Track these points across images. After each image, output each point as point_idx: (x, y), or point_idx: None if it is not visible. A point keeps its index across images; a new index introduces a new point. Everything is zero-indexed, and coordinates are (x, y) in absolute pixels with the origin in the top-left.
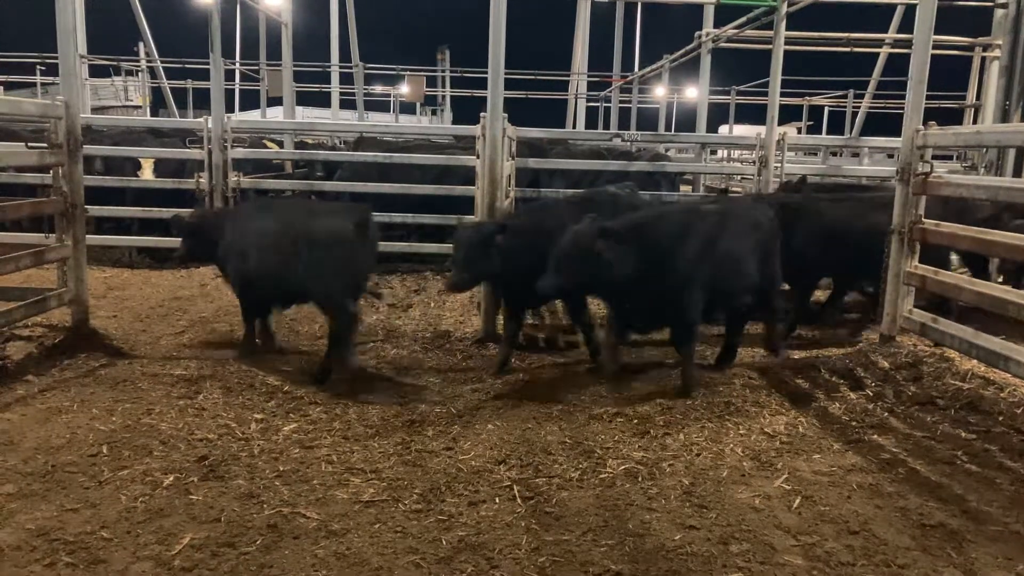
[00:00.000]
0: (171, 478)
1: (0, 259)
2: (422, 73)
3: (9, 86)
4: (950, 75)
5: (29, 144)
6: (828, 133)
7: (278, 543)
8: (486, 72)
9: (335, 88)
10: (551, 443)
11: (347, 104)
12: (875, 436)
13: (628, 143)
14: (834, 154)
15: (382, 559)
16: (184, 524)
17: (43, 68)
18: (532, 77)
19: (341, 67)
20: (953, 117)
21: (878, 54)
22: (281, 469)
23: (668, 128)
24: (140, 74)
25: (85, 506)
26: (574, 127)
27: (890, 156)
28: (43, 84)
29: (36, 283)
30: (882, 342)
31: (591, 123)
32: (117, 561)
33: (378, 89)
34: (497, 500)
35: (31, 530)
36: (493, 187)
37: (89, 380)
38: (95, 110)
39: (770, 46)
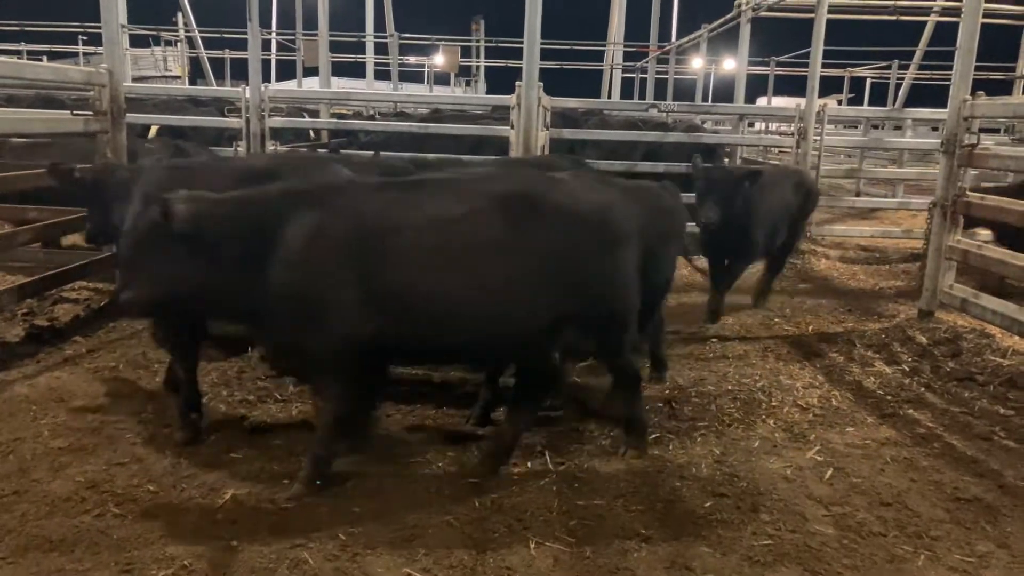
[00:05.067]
0: (213, 436)
1: (46, 224)
2: (457, 43)
3: (52, 56)
4: (1000, 45)
5: (74, 111)
6: (870, 105)
7: (316, 500)
8: (520, 43)
9: (370, 58)
10: (582, 408)
11: (381, 75)
12: (911, 410)
13: (664, 114)
14: (876, 126)
15: (416, 518)
16: (226, 480)
17: (85, 38)
18: (567, 47)
19: (376, 37)
20: (1002, 89)
21: (925, 23)
22: None
23: (705, 100)
24: (179, 44)
25: (132, 461)
26: (609, 98)
27: (934, 129)
28: (85, 54)
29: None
30: (921, 317)
31: (626, 94)
32: (164, 513)
33: (412, 60)
34: (529, 464)
35: (81, 482)
36: None
37: (134, 341)
38: (135, 80)
39: (812, 15)
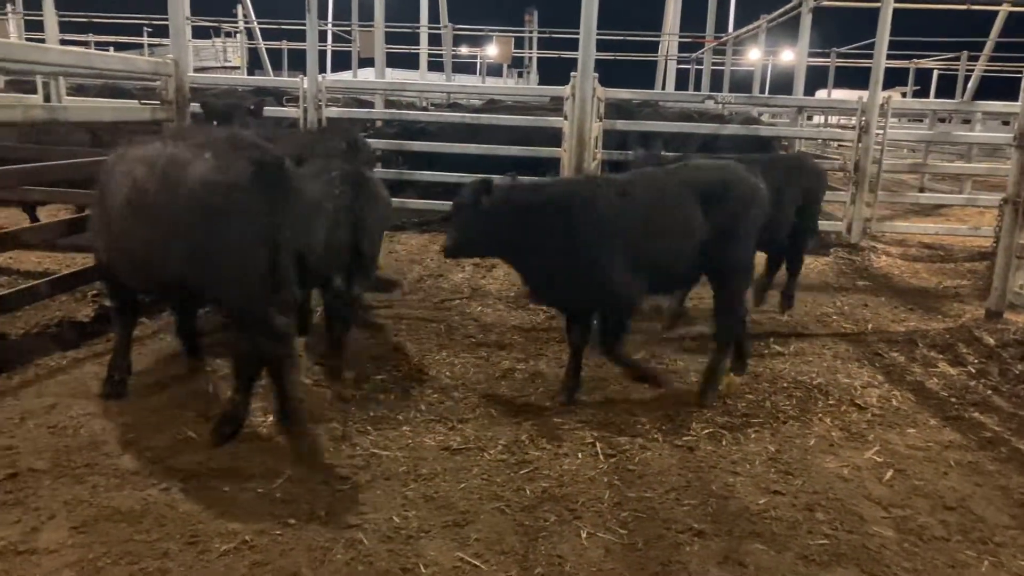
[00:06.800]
0: (270, 419)
1: None
2: (510, 34)
3: (118, 47)
4: None
5: (142, 101)
6: (937, 98)
7: (370, 483)
8: (573, 33)
9: (424, 50)
10: (634, 403)
11: (434, 66)
12: (976, 413)
13: (721, 106)
14: (943, 120)
15: (468, 503)
16: (283, 461)
17: (150, 30)
18: (622, 38)
19: (430, 28)
20: None
21: (996, 12)
22: (372, 415)
23: (763, 91)
24: (238, 35)
25: (196, 437)
26: (664, 89)
27: (1005, 123)
28: (149, 45)
29: None
30: (988, 317)
31: (681, 86)
32: (224, 489)
33: (464, 51)
34: (580, 455)
35: (148, 458)
36: (581, 148)
37: None
38: (196, 70)
39: (878, 4)
